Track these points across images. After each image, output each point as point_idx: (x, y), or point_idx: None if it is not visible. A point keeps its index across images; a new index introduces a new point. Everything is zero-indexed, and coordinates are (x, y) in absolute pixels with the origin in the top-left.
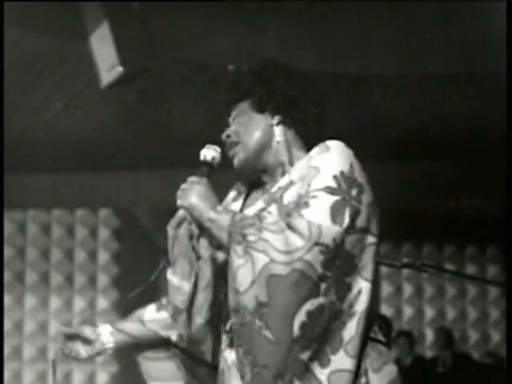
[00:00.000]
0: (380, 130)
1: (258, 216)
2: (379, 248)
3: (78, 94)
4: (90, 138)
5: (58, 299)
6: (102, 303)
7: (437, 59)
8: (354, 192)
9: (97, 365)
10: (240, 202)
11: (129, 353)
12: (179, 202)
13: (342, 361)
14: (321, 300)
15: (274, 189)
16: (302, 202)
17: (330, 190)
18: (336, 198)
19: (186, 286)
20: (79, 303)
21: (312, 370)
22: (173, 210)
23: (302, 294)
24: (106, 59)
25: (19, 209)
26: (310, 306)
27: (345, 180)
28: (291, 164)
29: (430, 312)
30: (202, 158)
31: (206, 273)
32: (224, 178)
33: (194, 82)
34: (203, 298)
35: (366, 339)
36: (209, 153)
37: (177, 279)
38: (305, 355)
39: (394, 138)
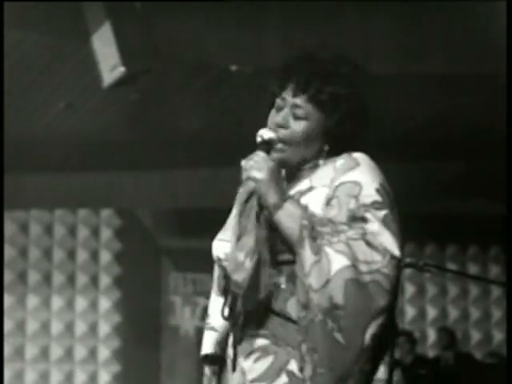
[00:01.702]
0: (380, 130)
1: (330, 219)
2: None
3: (80, 94)
4: (92, 138)
5: (60, 299)
6: (104, 303)
7: (437, 59)
8: (392, 204)
9: (98, 365)
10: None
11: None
12: (250, 173)
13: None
14: (388, 315)
15: (292, 192)
16: (358, 217)
17: (378, 205)
18: (385, 212)
19: (248, 263)
20: (81, 303)
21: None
22: (173, 210)
23: (377, 305)
24: (107, 59)
25: (21, 209)
26: (381, 319)
27: (385, 192)
28: (309, 166)
29: (432, 312)
30: (259, 138)
31: (264, 255)
32: (225, 177)
33: (195, 82)
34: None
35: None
36: (266, 133)
37: (241, 254)
38: (368, 367)
39: (395, 138)
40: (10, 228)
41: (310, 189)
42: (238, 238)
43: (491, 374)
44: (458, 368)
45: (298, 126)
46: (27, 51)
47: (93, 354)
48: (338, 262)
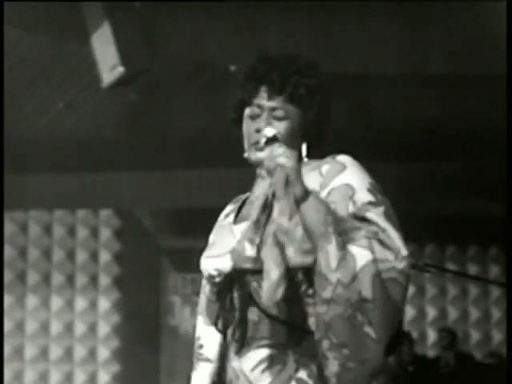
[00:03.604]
0: (380, 130)
1: (353, 220)
2: None
3: (79, 94)
4: (91, 138)
5: (60, 299)
6: (104, 303)
7: (437, 59)
8: (386, 201)
9: (98, 365)
10: (231, 217)
11: None
12: (279, 160)
13: None
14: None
15: None
16: (360, 218)
17: (374, 204)
18: (380, 208)
19: (250, 251)
20: (80, 303)
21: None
22: (173, 210)
23: (398, 301)
24: (107, 59)
25: (21, 209)
26: (401, 315)
27: (376, 190)
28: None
29: (431, 312)
30: (263, 139)
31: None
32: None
33: (194, 82)
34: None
35: None
36: (269, 130)
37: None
38: (391, 360)
39: (395, 138)
40: (9, 228)
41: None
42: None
43: (491, 374)
44: (457, 368)
45: (282, 127)
46: (27, 51)
47: (92, 354)
48: (362, 257)
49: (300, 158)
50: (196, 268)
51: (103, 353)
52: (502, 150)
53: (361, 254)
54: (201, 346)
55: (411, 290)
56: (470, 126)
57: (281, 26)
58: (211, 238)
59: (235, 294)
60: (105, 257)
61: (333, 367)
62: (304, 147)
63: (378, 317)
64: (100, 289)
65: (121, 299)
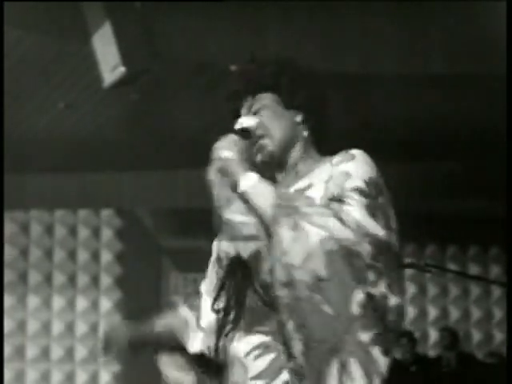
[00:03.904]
0: (381, 130)
1: (305, 196)
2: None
3: (80, 94)
4: (92, 138)
5: (61, 299)
6: (105, 303)
7: (437, 59)
8: (381, 197)
9: (99, 365)
10: None
11: None
12: (219, 152)
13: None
14: (375, 289)
15: (292, 190)
16: (337, 199)
17: (364, 194)
18: (369, 200)
19: (251, 219)
20: (82, 303)
21: (372, 355)
22: (175, 209)
23: (358, 275)
24: (108, 59)
25: (22, 209)
26: (366, 289)
27: (373, 185)
28: (304, 165)
29: (433, 312)
30: (238, 126)
31: None
32: None
33: (195, 82)
34: None
35: None
36: (246, 120)
37: (237, 216)
38: (365, 337)
39: (395, 138)
40: (10, 228)
41: (310, 186)
42: (229, 204)
43: (492, 374)
44: (459, 368)
45: (257, 119)
46: (27, 51)
47: (94, 353)
48: (315, 234)
49: (299, 155)
50: (196, 268)
51: None
52: (502, 149)
53: (314, 231)
54: (197, 319)
55: (412, 289)
56: (471, 126)
57: (281, 26)
58: None
59: (237, 279)
60: (106, 257)
61: (298, 347)
62: (299, 145)
63: (335, 294)
64: (101, 289)
65: (122, 299)
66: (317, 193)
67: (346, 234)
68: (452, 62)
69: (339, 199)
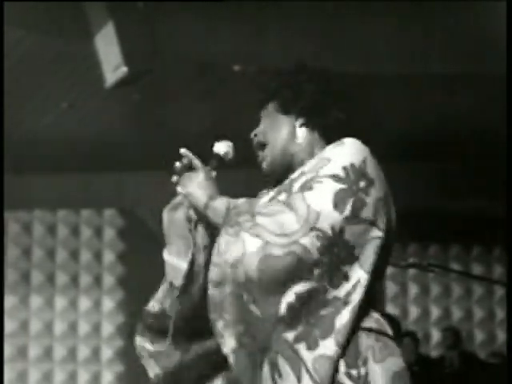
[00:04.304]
0: (383, 131)
1: (250, 201)
2: (387, 243)
3: (83, 94)
4: (95, 138)
5: (64, 299)
6: (108, 303)
7: (437, 59)
8: (361, 184)
9: (102, 365)
10: None
11: None
12: (179, 188)
13: (329, 347)
14: (313, 284)
15: (286, 181)
16: (306, 186)
17: (336, 179)
18: (341, 186)
19: (183, 265)
20: (84, 303)
21: (297, 351)
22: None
23: (292, 275)
24: (110, 59)
25: (25, 209)
26: (300, 287)
27: (354, 172)
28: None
29: (435, 312)
30: (215, 150)
31: (199, 260)
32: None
33: (197, 82)
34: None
35: (358, 330)
36: (222, 147)
37: (173, 258)
38: (290, 335)
39: (398, 138)
40: (13, 228)
41: (301, 174)
42: (169, 245)
43: (495, 374)
44: (461, 368)
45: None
46: (30, 51)
47: (96, 354)
48: (252, 244)
49: (304, 157)
50: None
51: (107, 353)
52: (502, 150)
53: (251, 241)
54: None
55: (415, 289)
56: (474, 126)
57: (282, 26)
58: None
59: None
60: (109, 257)
61: (230, 343)
62: (302, 148)
63: (262, 295)
64: (104, 289)
65: (125, 299)
66: (303, 180)
67: (293, 226)
68: (452, 61)
69: (309, 186)
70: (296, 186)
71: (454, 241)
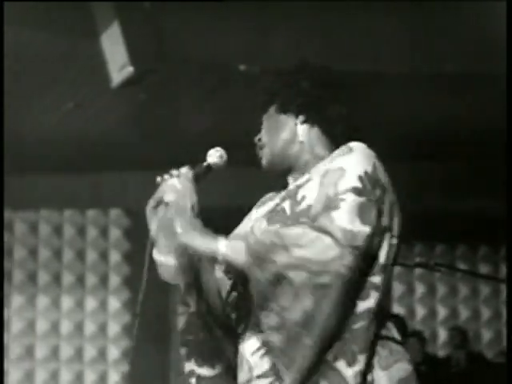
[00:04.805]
0: (391, 130)
1: (277, 233)
2: (398, 246)
3: (89, 94)
4: (101, 138)
5: (70, 299)
6: (114, 303)
7: (437, 59)
8: (377, 193)
9: (108, 364)
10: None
11: None
12: (164, 196)
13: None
14: (347, 301)
15: (292, 187)
16: (332, 205)
17: (356, 192)
18: (362, 199)
19: (171, 261)
20: (91, 303)
21: (338, 369)
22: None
23: (344, 299)
24: (116, 59)
25: (31, 209)
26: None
27: (369, 180)
28: (313, 163)
29: (442, 311)
30: (207, 157)
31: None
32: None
33: (203, 81)
34: None
35: (375, 337)
36: (214, 155)
37: (161, 256)
38: (330, 356)
39: (406, 138)
40: (20, 228)
41: (308, 180)
42: (156, 243)
43: (502, 374)
44: (468, 367)
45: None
46: (36, 51)
47: (102, 353)
48: (298, 277)
49: (306, 155)
50: None
51: (113, 353)
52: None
53: (296, 276)
54: None
55: (422, 289)
56: (479, 126)
57: (290, 26)
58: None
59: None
60: (115, 256)
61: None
62: (303, 146)
63: (318, 327)
64: (110, 289)
65: (131, 299)
66: (312, 187)
67: (332, 251)
68: (452, 61)
69: (334, 205)
70: (301, 192)
71: (460, 240)
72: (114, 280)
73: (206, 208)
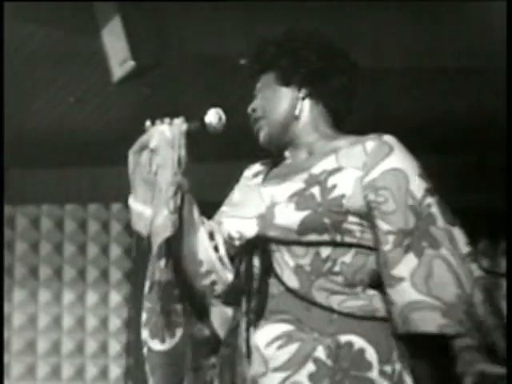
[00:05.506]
0: (393, 124)
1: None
2: None
3: (90, 89)
4: (102, 132)
5: (71, 293)
6: (115, 297)
7: (447, 53)
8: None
9: (109, 358)
10: (260, 178)
11: None
12: (151, 141)
13: None
14: None
15: (317, 170)
16: (425, 216)
17: (430, 191)
18: (437, 197)
19: (148, 212)
20: (92, 297)
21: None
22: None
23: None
24: (117, 53)
25: (33, 203)
26: None
27: (425, 174)
28: (319, 141)
29: None
30: (206, 115)
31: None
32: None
33: (205, 76)
34: None
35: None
36: (212, 114)
37: (137, 205)
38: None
39: (414, 132)
40: (21, 223)
41: (339, 169)
42: (134, 190)
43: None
44: None
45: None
46: (37, 46)
47: (104, 347)
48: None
49: (307, 131)
50: None
51: (114, 347)
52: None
53: (475, 271)
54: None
55: None
56: (485, 120)
57: (292, 21)
58: (236, 196)
59: (255, 263)
60: (116, 251)
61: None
62: (303, 121)
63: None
64: (111, 283)
65: (131, 293)
66: (347, 178)
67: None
68: (452, 60)
69: (429, 212)
70: (332, 181)
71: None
72: (115, 274)
73: (210, 202)
